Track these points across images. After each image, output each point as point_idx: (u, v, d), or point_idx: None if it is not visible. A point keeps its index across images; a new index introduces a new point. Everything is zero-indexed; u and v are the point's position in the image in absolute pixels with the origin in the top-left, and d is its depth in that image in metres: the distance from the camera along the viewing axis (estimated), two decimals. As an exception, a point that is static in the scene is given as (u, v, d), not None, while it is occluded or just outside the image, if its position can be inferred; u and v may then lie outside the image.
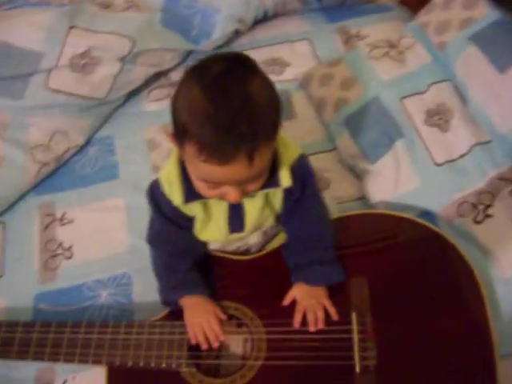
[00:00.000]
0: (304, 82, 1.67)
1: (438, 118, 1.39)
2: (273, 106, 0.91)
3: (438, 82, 1.45)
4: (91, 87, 1.56)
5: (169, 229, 1.14)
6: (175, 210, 1.09)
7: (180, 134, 0.90)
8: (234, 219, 1.12)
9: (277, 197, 1.12)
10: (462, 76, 1.40)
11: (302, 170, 1.10)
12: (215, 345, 1.11)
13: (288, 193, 1.10)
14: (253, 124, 0.86)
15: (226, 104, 0.84)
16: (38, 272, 1.39)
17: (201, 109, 0.85)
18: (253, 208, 1.11)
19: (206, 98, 0.85)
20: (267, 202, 1.13)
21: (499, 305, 1.18)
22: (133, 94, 1.73)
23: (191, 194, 1.02)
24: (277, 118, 0.93)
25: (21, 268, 1.41)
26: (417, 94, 1.44)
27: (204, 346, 1.11)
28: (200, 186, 0.98)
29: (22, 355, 1.16)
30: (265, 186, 1.02)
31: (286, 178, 1.04)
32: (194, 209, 1.10)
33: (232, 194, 0.95)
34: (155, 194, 1.11)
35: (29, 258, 1.42)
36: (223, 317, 1.13)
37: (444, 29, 1.47)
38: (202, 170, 0.91)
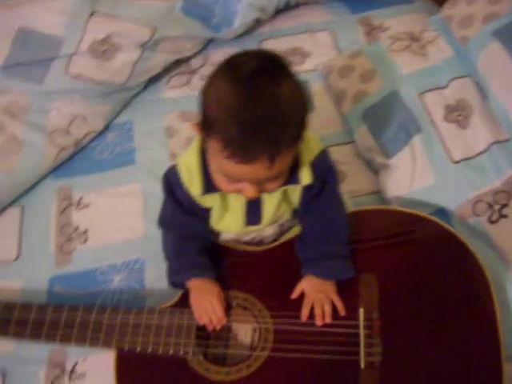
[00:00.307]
0: (324, 73, 1.66)
1: (457, 114, 1.37)
2: (301, 111, 0.91)
3: (459, 77, 1.43)
4: (111, 73, 1.57)
5: (181, 215, 1.15)
6: (191, 199, 1.11)
7: (206, 127, 0.91)
8: (251, 212, 1.13)
9: (295, 192, 1.12)
10: (484, 72, 1.37)
11: (323, 166, 1.10)
12: (218, 327, 1.13)
13: (307, 188, 1.10)
14: (279, 128, 0.86)
15: (255, 105, 0.84)
16: (54, 255, 1.42)
17: (229, 106, 0.85)
18: (270, 202, 1.12)
19: (236, 97, 0.85)
20: (285, 196, 1.13)
21: (510, 306, 1.17)
22: (152, 80, 1.74)
23: (210, 185, 1.03)
24: (303, 124, 0.93)
25: (37, 250, 1.44)
26: (437, 88, 1.42)
27: (209, 328, 1.13)
28: (219, 180, 0.99)
29: (35, 337, 1.18)
30: (284, 183, 1.03)
31: (306, 176, 1.04)
32: (211, 200, 1.11)
33: (249, 190, 0.96)
34: (171, 180, 1.12)
35: (45, 241, 1.45)
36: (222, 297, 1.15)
37: (467, 23, 1.44)
38: (223, 166, 0.92)
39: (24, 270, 1.40)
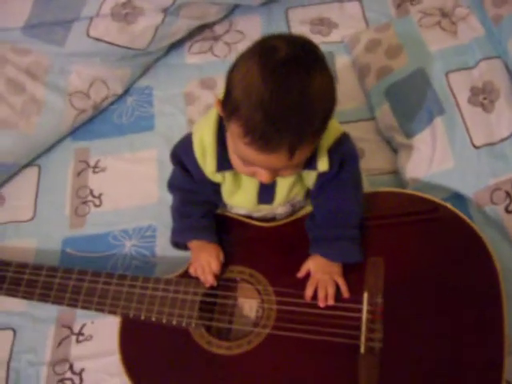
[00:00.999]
0: (350, 46, 1.62)
1: (482, 97, 1.32)
2: (328, 106, 0.90)
3: (489, 58, 1.37)
4: (132, 37, 1.55)
5: (189, 184, 1.16)
6: (201, 174, 1.11)
7: (230, 109, 0.89)
8: (264, 192, 1.13)
9: (311, 175, 1.11)
10: (515, 53, 1.33)
11: (342, 151, 1.08)
12: (209, 283, 1.14)
13: (323, 172, 1.08)
14: (303, 122, 0.85)
15: (283, 95, 0.82)
16: (68, 217, 1.45)
17: (256, 93, 0.83)
18: (284, 183, 1.11)
19: (264, 84, 0.83)
20: (299, 178, 1.13)
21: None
22: (175, 45, 1.72)
23: (224, 163, 1.03)
24: (328, 119, 0.91)
25: (52, 212, 1.46)
26: (464, 69, 1.37)
27: (206, 284, 1.15)
28: (235, 161, 0.98)
29: (44, 298, 1.21)
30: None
31: (323, 163, 1.03)
32: (222, 177, 1.11)
33: (264, 176, 0.95)
34: (183, 152, 1.13)
35: (60, 202, 1.47)
36: (222, 259, 1.17)
37: (502, 1, 1.38)
38: (241, 150, 0.91)
39: (38, 230, 1.43)
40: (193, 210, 1.19)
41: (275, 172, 0.96)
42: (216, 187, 1.16)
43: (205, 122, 1.08)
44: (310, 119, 0.86)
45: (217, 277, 1.15)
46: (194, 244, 1.19)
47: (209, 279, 1.14)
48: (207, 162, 1.06)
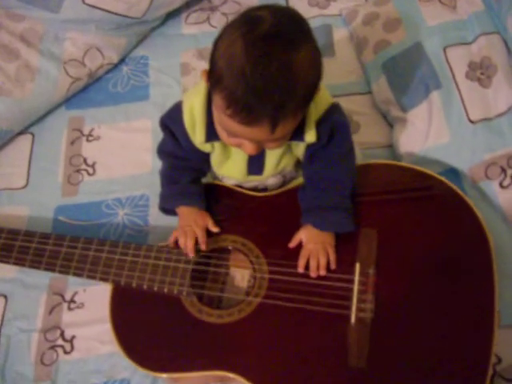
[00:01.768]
0: (348, 19, 1.61)
1: (480, 72, 1.32)
2: (311, 80, 0.89)
3: (488, 33, 1.36)
4: (128, 5, 1.53)
5: (178, 150, 1.15)
6: (191, 143, 1.11)
7: (213, 80, 0.88)
8: (253, 163, 1.13)
9: (300, 146, 1.11)
10: (513, 30, 1.31)
11: (332, 121, 1.07)
12: (189, 252, 1.14)
13: (312, 143, 1.07)
14: (284, 94, 0.84)
15: (264, 68, 0.82)
16: (61, 185, 1.44)
17: (238, 65, 0.82)
18: (273, 154, 1.11)
19: (246, 56, 0.82)
20: (289, 149, 1.12)
21: (509, 274, 1.15)
22: (171, 15, 1.71)
23: (213, 132, 1.02)
24: (312, 94, 0.91)
25: (45, 179, 1.46)
26: (462, 44, 1.36)
27: (184, 251, 1.15)
28: (221, 132, 0.98)
29: (35, 264, 1.21)
30: (288, 139, 1.02)
31: (310, 134, 1.03)
32: (211, 147, 1.11)
33: (249, 147, 0.95)
34: (172, 120, 1.11)
35: (53, 170, 1.47)
36: (215, 229, 1.16)
37: (503, -24, 1.37)
38: (225, 122, 0.91)
39: (31, 198, 1.43)
40: (181, 175, 1.18)
41: (260, 144, 0.95)
42: (205, 156, 1.15)
43: (195, 91, 1.07)
44: (291, 93, 0.85)
45: (207, 245, 1.15)
46: (181, 210, 1.19)
47: (188, 245, 1.14)
48: (196, 132, 1.05)
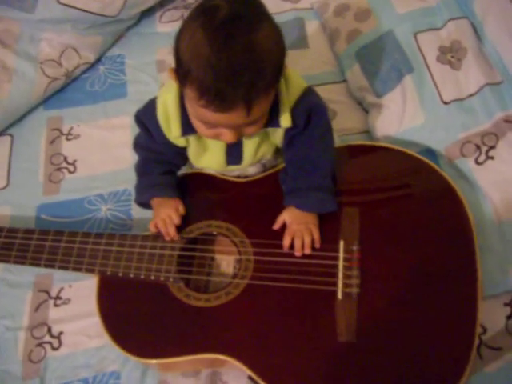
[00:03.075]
0: (319, 11, 1.64)
1: (450, 55, 1.35)
2: (277, 57, 0.91)
3: (456, 18, 1.39)
4: (103, 4, 1.53)
5: (154, 144, 1.16)
6: (165, 139, 1.12)
7: (182, 74, 0.90)
8: (231, 153, 1.14)
9: (277, 133, 1.12)
10: (480, 14, 1.35)
11: (308, 104, 1.09)
12: (171, 236, 1.15)
13: (290, 128, 1.09)
14: (253, 74, 0.86)
15: (228, 52, 0.83)
16: (42, 184, 1.44)
17: (203, 54, 0.84)
18: (250, 143, 1.12)
19: (209, 44, 0.84)
20: (266, 137, 1.14)
21: (491, 248, 1.18)
22: (146, 14, 1.72)
23: (189, 126, 1.04)
24: (280, 68, 0.93)
25: (26, 179, 1.45)
26: (432, 29, 1.39)
27: (166, 238, 1.16)
28: (197, 125, 0.99)
29: (20, 259, 1.20)
30: (264, 126, 1.03)
31: (285, 119, 1.05)
32: (186, 141, 1.12)
33: (227, 135, 0.96)
34: (147, 116, 1.13)
35: (34, 170, 1.46)
36: (182, 212, 1.17)
37: (466, -40, 1.41)
38: (200, 113, 0.92)
39: (12, 197, 1.42)
40: (153, 167, 1.20)
41: (238, 131, 0.97)
42: (180, 150, 1.17)
43: (167, 88, 1.09)
44: (260, 72, 0.87)
45: (178, 229, 1.16)
46: (154, 201, 1.19)
47: (170, 232, 1.15)
48: (171, 127, 1.07)
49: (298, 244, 1.11)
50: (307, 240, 1.11)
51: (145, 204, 1.22)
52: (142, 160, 1.22)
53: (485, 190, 1.22)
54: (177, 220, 1.15)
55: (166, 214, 1.15)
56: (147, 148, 1.19)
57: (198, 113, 0.93)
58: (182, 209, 1.17)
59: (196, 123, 0.99)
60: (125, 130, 1.50)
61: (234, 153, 1.14)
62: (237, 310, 1.08)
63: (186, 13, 1.71)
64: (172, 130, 1.07)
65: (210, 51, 0.83)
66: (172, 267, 1.13)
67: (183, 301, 1.10)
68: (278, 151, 1.22)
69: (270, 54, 0.88)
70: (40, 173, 1.45)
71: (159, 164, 1.20)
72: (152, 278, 1.12)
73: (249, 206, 1.20)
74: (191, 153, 1.17)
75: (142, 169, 1.22)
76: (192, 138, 1.11)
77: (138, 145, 1.22)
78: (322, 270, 1.09)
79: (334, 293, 1.06)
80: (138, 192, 1.22)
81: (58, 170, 1.45)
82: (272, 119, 1.04)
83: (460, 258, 1.09)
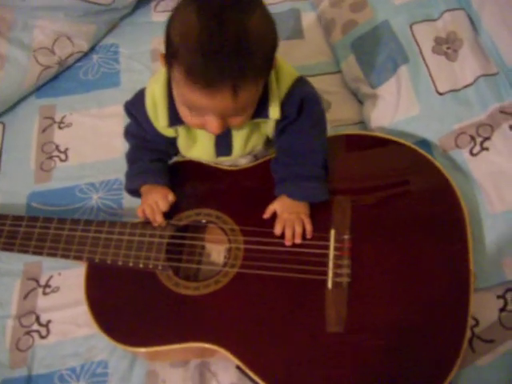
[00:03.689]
0: (315, 2, 1.63)
1: (446, 46, 1.34)
2: (268, 44, 0.91)
3: (453, 9, 1.38)
4: (97, -8, 1.53)
5: (142, 132, 1.15)
6: (155, 129, 1.12)
7: (170, 56, 0.90)
8: (220, 144, 1.13)
9: (269, 123, 1.11)
10: (477, 5, 1.33)
11: (299, 93, 1.08)
12: (158, 223, 1.15)
13: (283, 117, 1.08)
14: (243, 59, 0.85)
15: (220, 35, 0.83)
16: (34, 172, 1.43)
17: (194, 36, 0.84)
18: (240, 134, 1.11)
19: (201, 27, 0.84)
20: (256, 128, 1.12)
21: (484, 239, 1.17)
22: (142, 3, 1.71)
23: (176, 117, 1.03)
24: (270, 58, 0.93)
25: (17, 167, 1.44)
26: (428, 20, 1.38)
27: (154, 223, 1.15)
28: (183, 113, 0.98)
29: (8, 246, 1.19)
30: (252, 117, 1.03)
31: (274, 111, 1.04)
32: (175, 132, 1.12)
33: (213, 124, 0.95)
34: (135, 106, 1.13)
35: (25, 158, 1.45)
36: (172, 199, 1.16)
37: (464, -47, 1.40)
38: (187, 96, 0.91)
39: (3, 185, 1.41)
40: (143, 155, 1.19)
41: (224, 120, 0.95)
42: (170, 140, 1.16)
43: (155, 78, 1.08)
44: (249, 57, 0.86)
45: (167, 217, 1.15)
46: (143, 188, 1.18)
47: (157, 219, 1.14)
48: (159, 118, 1.06)
49: (288, 234, 1.10)
50: (298, 230, 1.10)
51: (134, 191, 1.21)
52: (133, 148, 1.22)
53: (479, 182, 1.21)
54: (164, 207, 1.14)
55: (153, 200, 1.14)
56: (138, 136, 1.18)
57: (185, 96, 0.92)
58: (171, 196, 1.16)
59: (182, 111, 0.98)
60: (117, 119, 1.48)
61: (223, 144, 1.13)
62: (225, 298, 1.07)
63: (181, 2, 1.69)
64: (159, 121, 1.06)
65: (200, 30, 0.83)
66: (161, 255, 1.12)
67: (172, 289, 1.09)
68: (269, 142, 1.20)
69: (262, 41, 0.88)
70: (31, 161, 1.45)
71: (150, 152, 1.19)
72: (141, 265, 1.11)
73: (239, 194, 1.19)
74: (181, 143, 1.16)
75: (132, 156, 1.21)
76: (181, 129, 1.10)
77: (128, 133, 1.22)
78: (313, 259, 1.08)
79: (324, 282, 1.05)
80: (129, 179, 1.21)
81: (50, 158, 1.44)
82: (261, 110, 1.03)
83: (452, 249, 1.07)
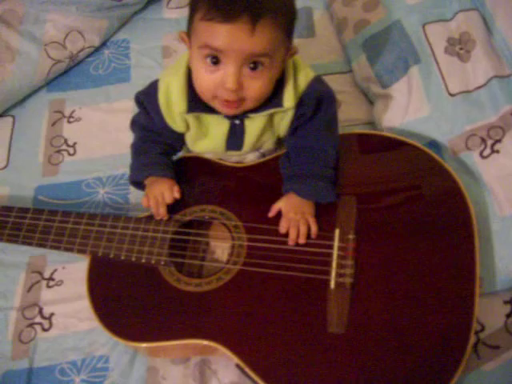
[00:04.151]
0: (328, 1, 1.61)
1: (459, 47, 1.32)
2: (288, 3, 0.95)
3: (466, 10, 1.35)
4: (108, -13, 1.53)
5: (151, 124, 1.15)
6: (163, 121, 1.11)
7: (190, 12, 0.95)
8: (232, 138, 1.12)
9: (284, 120, 1.10)
10: (491, 6, 1.31)
11: (318, 91, 1.08)
12: (160, 216, 1.14)
13: (298, 116, 1.08)
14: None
15: None
16: (42, 165, 1.44)
17: None
18: (253, 128, 1.10)
19: None
20: (270, 124, 1.12)
21: (492, 242, 1.15)
22: (153, 0, 1.71)
23: (195, 103, 1.03)
24: (289, 11, 0.96)
25: (26, 160, 1.46)
26: (442, 20, 1.36)
27: (156, 217, 1.15)
28: (199, 73, 0.97)
29: (13, 238, 1.20)
30: (267, 107, 1.03)
31: (289, 99, 1.03)
32: (184, 125, 1.11)
33: (230, 76, 0.93)
34: (147, 98, 1.12)
35: (34, 151, 1.46)
36: (177, 195, 1.15)
37: (479, -47, 1.38)
38: (207, 40, 0.91)
39: (11, 178, 1.42)
40: (150, 147, 1.18)
41: (240, 74, 0.94)
42: (177, 134, 1.15)
43: (172, 71, 1.08)
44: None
45: (172, 213, 1.15)
46: (149, 180, 1.18)
47: (161, 212, 1.14)
48: (177, 102, 1.05)
49: (293, 234, 1.08)
50: (303, 229, 1.08)
51: (139, 183, 1.20)
52: (140, 139, 1.21)
53: (489, 184, 1.19)
54: (169, 199, 1.14)
55: (159, 191, 1.14)
56: (145, 128, 1.18)
57: (204, 34, 0.92)
58: (176, 189, 1.15)
59: (198, 70, 0.97)
60: (126, 115, 1.47)
61: (235, 138, 1.12)
62: (227, 295, 1.06)
63: (193, -1, 1.69)
64: (178, 106, 1.05)
65: None
66: (164, 250, 1.11)
67: (174, 285, 1.09)
68: (279, 142, 1.20)
69: None
70: (40, 154, 1.45)
71: (157, 144, 1.18)
72: (143, 260, 1.11)
73: (245, 191, 1.18)
74: (190, 137, 1.16)
75: (139, 148, 1.21)
76: (192, 122, 1.10)
77: (135, 124, 1.21)
78: (316, 258, 1.07)
79: (327, 282, 1.04)
80: (134, 170, 1.21)
81: (58, 152, 1.45)
82: (275, 100, 1.03)
83: (459, 252, 1.05)
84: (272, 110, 1.06)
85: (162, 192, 1.14)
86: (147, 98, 1.12)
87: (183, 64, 1.04)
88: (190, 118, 1.09)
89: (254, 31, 0.88)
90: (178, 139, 1.18)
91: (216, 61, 0.93)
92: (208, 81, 0.96)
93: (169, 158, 1.21)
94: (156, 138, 1.17)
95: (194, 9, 0.93)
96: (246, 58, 0.92)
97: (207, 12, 0.89)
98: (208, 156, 1.22)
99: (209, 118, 1.10)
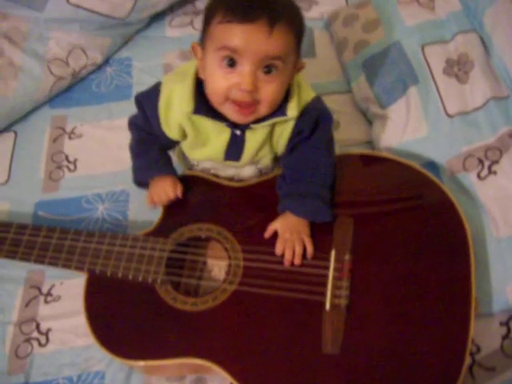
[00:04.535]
0: (328, 22, 1.64)
1: (457, 68, 1.33)
2: (299, 17, 1.02)
3: (465, 31, 1.37)
4: (112, 6, 1.55)
5: (148, 126, 1.16)
6: (160, 127, 1.13)
7: (206, 20, 0.98)
8: (232, 148, 1.13)
9: (284, 135, 1.11)
10: (489, 27, 1.32)
11: (317, 112, 1.10)
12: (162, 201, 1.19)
13: (297, 132, 1.10)
14: (279, 4, 0.94)
15: None
16: (42, 181, 1.44)
17: None
18: (253, 140, 1.11)
19: None
20: (271, 138, 1.12)
21: (488, 264, 1.15)
22: (156, 18, 1.74)
23: (201, 106, 1.05)
24: (300, 22, 1.02)
25: (26, 176, 1.46)
26: (440, 42, 1.37)
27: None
28: (215, 75, 0.98)
29: (11, 254, 1.19)
30: (270, 116, 1.04)
31: (292, 109, 1.05)
32: (179, 133, 1.13)
33: (246, 77, 0.94)
34: (147, 101, 1.13)
35: (35, 167, 1.47)
36: (179, 194, 1.18)
37: (478, -26, 1.40)
38: (225, 41, 0.94)
39: (12, 193, 1.43)
40: (151, 147, 1.20)
41: (256, 76, 0.95)
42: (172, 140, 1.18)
43: (178, 77, 1.10)
44: (284, 5, 0.95)
45: (169, 232, 1.17)
46: (155, 178, 1.21)
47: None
48: (182, 104, 1.06)
49: (288, 255, 1.09)
50: (298, 250, 1.09)
51: (144, 183, 1.23)
52: (138, 141, 1.23)
53: (486, 205, 1.20)
54: (172, 194, 1.17)
55: (161, 188, 1.17)
56: (143, 129, 1.19)
57: (222, 36, 0.94)
58: (179, 187, 1.18)
59: (214, 74, 0.98)
60: (127, 132, 1.43)
61: (235, 148, 1.13)
62: (222, 315, 1.06)
63: (196, 18, 1.72)
64: (185, 106, 1.05)
65: None
66: (160, 269, 1.11)
67: (170, 304, 1.09)
68: (276, 160, 1.21)
69: (294, 7, 1.00)
70: (41, 170, 1.46)
71: (155, 144, 1.20)
72: (140, 278, 1.11)
73: (242, 211, 1.19)
74: (187, 144, 1.17)
75: (139, 148, 1.23)
76: (190, 130, 1.11)
77: (133, 124, 1.22)
78: (312, 279, 1.07)
79: (322, 303, 1.04)
80: (138, 171, 1.24)
81: (59, 168, 1.46)
82: (279, 109, 1.05)
83: (455, 273, 1.05)
84: (275, 120, 1.07)
85: (165, 188, 1.17)
86: (147, 100, 1.13)
87: (191, 73, 1.06)
88: (188, 126, 1.10)
89: (271, 33, 0.91)
90: (174, 142, 1.20)
91: (232, 63, 0.95)
92: (223, 83, 0.98)
93: (167, 156, 1.24)
94: (152, 140, 1.19)
95: (210, 15, 0.96)
96: (262, 60, 0.94)
97: (226, 15, 0.92)
98: (206, 165, 1.24)
99: (209, 127, 1.10)
